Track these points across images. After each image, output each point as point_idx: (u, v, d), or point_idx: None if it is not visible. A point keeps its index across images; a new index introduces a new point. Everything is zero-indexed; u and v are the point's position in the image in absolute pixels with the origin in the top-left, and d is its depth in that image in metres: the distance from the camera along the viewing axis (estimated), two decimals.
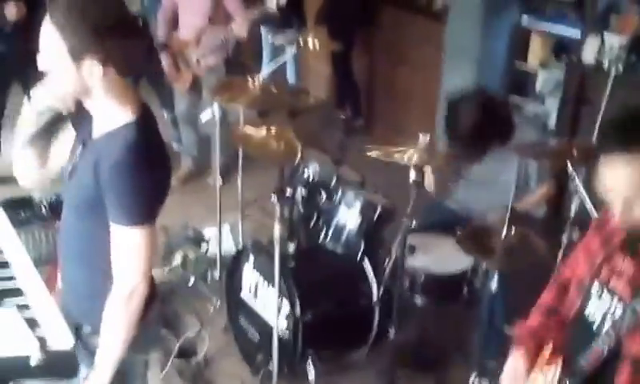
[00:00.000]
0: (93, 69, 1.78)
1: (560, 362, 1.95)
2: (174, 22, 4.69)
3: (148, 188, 1.82)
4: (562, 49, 4.88)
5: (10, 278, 2.21)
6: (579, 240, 2.17)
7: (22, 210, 3.52)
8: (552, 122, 4.81)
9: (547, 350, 2.05)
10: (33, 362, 1.82)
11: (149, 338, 2.12)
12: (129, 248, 1.83)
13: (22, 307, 2.05)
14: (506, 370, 2.12)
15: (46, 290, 2.17)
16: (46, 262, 3.27)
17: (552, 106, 4.82)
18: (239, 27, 4.45)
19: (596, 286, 1.92)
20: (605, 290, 1.88)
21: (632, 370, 1.77)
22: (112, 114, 1.86)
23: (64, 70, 1.79)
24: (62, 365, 1.91)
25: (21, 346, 1.87)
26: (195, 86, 4.80)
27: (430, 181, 3.39)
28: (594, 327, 1.88)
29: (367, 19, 5.85)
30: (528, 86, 5.04)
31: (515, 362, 2.09)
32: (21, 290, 2.16)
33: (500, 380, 2.15)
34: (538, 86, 5.04)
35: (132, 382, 2.14)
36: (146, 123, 1.87)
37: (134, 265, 1.85)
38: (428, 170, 3.35)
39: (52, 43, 1.77)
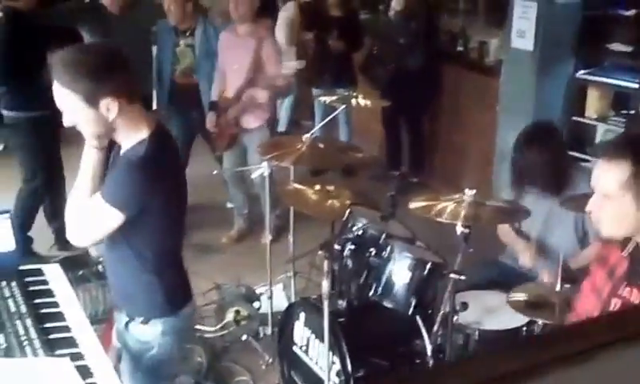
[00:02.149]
0: (109, 106, 2.09)
1: None
2: (224, 82, 4.77)
3: (138, 184, 2.16)
4: (621, 101, 4.79)
5: (67, 329, 2.34)
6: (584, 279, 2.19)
7: (79, 268, 3.62)
8: None
9: None
10: None
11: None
12: (93, 207, 2.18)
13: (75, 355, 2.17)
14: None
15: (100, 346, 2.30)
16: (102, 320, 3.35)
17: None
18: (262, 92, 4.51)
19: None
20: None
21: None
22: (131, 136, 2.19)
23: (86, 117, 2.10)
24: None
25: None
26: (237, 147, 4.84)
27: (526, 255, 3.36)
28: None
29: (421, 79, 5.83)
30: (587, 141, 4.94)
31: None
32: (75, 340, 2.27)
33: None
34: (598, 140, 4.94)
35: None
36: (156, 138, 2.20)
37: (89, 221, 2.22)
38: (522, 243, 3.36)
39: (67, 100, 2.09)
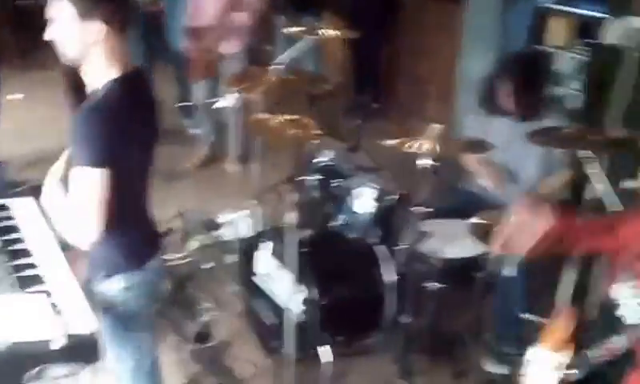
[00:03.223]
0: (97, 28, 2.02)
1: (573, 347, 1.91)
2: (202, 9, 4.73)
3: (103, 135, 2.00)
4: (585, 31, 4.81)
5: (33, 266, 2.26)
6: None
7: None
8: (575, 104, 4.76)
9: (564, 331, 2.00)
10: (56, 346, 1.88)
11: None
12: (77, 185, 2.01)
13: (46, 292, 2.10)
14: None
15: (71, 274, 2.23)
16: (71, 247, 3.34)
17: (575, 89, 4.77)
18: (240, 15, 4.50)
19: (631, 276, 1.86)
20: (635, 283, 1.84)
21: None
22: (101, 76, 2.08)
23: (71, 32, 2.03)
24: (84, 349, 1.96)
25: (44, 330, 1.91)
26: (214, 74, 4.82)
27: (484, 176, 3.42)
28: (618, 319, 1.84)
29: (385, 5, 5.82)
30: (549, 68, 4.98)
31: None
32: (44, 276, 2.20)
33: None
34: (560, 68, 4.99)
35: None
36: (122, 82, 2.08)
37: (80, 200, 2.01)
38: (482, 165, 3.39)
39: (60, 10, 2.02)
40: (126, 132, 2.07)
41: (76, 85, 2.24)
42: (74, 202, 2.03)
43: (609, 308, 1.89)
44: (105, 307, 2.24)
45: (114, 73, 2.08)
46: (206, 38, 4.67)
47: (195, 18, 4.75)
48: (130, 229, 2.24)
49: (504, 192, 3.37)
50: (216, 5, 4.60)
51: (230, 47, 4.70)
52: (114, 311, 2.26)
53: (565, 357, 1.93)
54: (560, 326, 2.03)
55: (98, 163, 1.99)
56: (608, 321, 1.89)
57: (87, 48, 2.05)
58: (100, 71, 2.09)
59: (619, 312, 1.87)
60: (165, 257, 3.68)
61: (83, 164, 2.00)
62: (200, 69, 4.81)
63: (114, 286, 2.24)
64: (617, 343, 1.80)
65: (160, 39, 5.05)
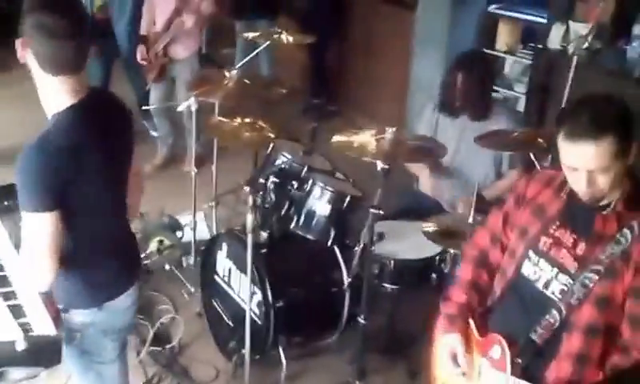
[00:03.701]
0: (31, 61, 1.93)
1: (502, 341, 2.02)
2: (153, 15, 4.76)
3: (46, 177, 1.89)
4: (529, 36, 4.99)
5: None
6: (498, 207, 2.25)
7: (4, 199, 3.53)
8: (521, 106, 4.92)
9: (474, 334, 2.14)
10: (18, 348, 1.88)
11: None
12: (26, 230, 1.95)
13: (8, 295, 2.08)
14: (442, 354, 2.19)
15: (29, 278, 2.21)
16: None
17: (520, 91, 4.94)
18: (189, 18, 4.52)
19: (531, 254, 2.04)
20: (542, 260, 2.00)
21: (584, 337, 1.92)
22: (52, 106, 1.98)
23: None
24: (46, 352, 1.96)
25: (5, 332, 1.92)
26: (166, 77, 4.86)
27: (425, 182, 3.54)
28: (539, 294, 1.99)
29: (339, 9, 5.92)
30: (497, 71, 5.14)
31: (451, 342, 2.15)
32: (6, 277, 2.17)
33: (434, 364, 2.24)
34: (506, 71, 5.16)
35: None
36: (73, 111, 1.95)
37: (30, 245, 1.96)
38: (424, 172, 3.51)
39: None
40: (78, 163, 1.94)
41: None
42: (24, 245, 1.97)
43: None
44: (67, 336, 2.15)
45: (66, 101, 1.96)
46: (156, 43, 4.70)
47: (144, 23, 4.79)
48: (92, 265, 2.13)
49: (437, 193, 3.52)
50: (165, 10, 4.63)
51: (181, 51, 4.74)
52: (75, 342, 2.20)
53: (498, 351, 2.04)
54: None
55: (41, 208, 1.90)
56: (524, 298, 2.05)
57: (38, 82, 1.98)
58: (50, 101, 1.98)
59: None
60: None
61: (27, 210, 1.91)
62: (152, 73, 4.83)
63: (75, 319, 2.17)
64: (549, 319, 1.95)
65: (112, 45, 5.10)
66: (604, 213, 1.92)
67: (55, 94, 1.96)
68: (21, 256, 2.03)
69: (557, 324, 1.94)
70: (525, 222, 2.09)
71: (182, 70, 4.75)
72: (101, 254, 2.14)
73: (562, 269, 1.96)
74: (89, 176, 1.98)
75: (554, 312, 1.94)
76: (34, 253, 1.96)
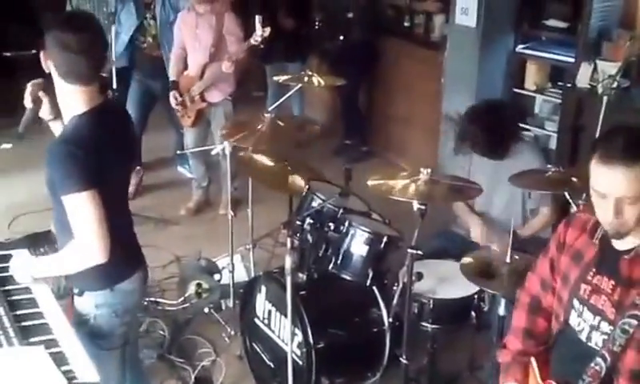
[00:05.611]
0: (53, 71, 2.24)
1: None
2: (183, 63, 4.88)
3: (72, 163, 2.16)
4: (558, 75, 5.03)
5: (39, 315, 2.33)
6: (543, 253, 2.25)
7: (40, 245, 3.63)
8: (552, 145, 4.95)
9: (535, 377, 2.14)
10: None
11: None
12: (72, 212, 2.20)
13: (49, 343, 2.16)
14: None
15: (68, 324, 2.31)
16: (64, 296, 3.40)
17: (551, 130, 4.97)
18: (225, 64, 4.59)
19: (576, 303, 2.04)
20: (585, 308, 2.01)
21: (631, 383, 1.91)
22: (67, 111, 2.30)
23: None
24: None
25: (49, 381, 1.97)
26: (202, 121, 4.96)
27: (476, 230, 3.58)
28: (583, 345, 1.99)
29: (369, 51, 6.01)
30: (526, 111, 5.18)
31: None
32: (47, 325, 2.27)
33: None
34: (537, 110, 5.20)
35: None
36: (89, 116, 2.26)
37: (79, 224, 2.21)
38: (474, 221, 3.57)
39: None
40: (98, 156, 2.21)
41: None
42: (74, 230, 2.21)
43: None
44: (78, 322, 2.40)
45: (82, 107, 2.26)
46: (190, 88, 4.81)
47: (174, 70, 4.90)
48: None
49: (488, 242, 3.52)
50: (199, 57, 4.74)
51: (217, 95, 4.84)
52: (87, 326, 2.42)
53: None
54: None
55: (81, 187, 2.16)
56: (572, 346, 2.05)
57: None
58: (68, 106, 2.29)
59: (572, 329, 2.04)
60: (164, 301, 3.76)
61: (68, 193, 2.17)
62: (189, 118, 4.93)
63: (86, 302, 2.41)
64: (596, 366, 1.93)
65: (161, 84, 5.16)
66: (626, 257, 1.93)
67: (72, 101, 2.28)
68: (71, 245, 2.25)
69: (603, 372, 1.92)
70: (566, 269, 2.09)
71: (216, 114, 4.86)
72: (114, 238, 2.30)
73: (603, 316, 1.96)
74: (105, 167, 2.24)
75: (599, 360, 1.92)
76: (85, 232, 2.20)
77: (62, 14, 2.49)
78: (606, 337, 1.94)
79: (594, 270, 2.00)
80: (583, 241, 2.05)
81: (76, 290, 2.43)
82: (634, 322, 1.86)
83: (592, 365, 1.94)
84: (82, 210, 2.18)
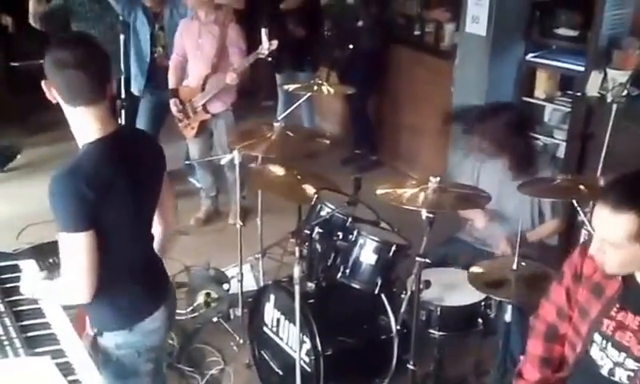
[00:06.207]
0: (58, 97, 2.14)
1: None
2: (183, 71, 4.88)
3: (72, 200, 2.04)
4: (568, 83, 5.02)
5: (46, 325, 2.35)
6: (558, 281, 2.22)
7: (48, 256, 3.66)
8: (560, 153, 4.94)
9: None
10: None
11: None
12: (63, 248, 2.11)
13: (56, 353, 2.19)
14: None
15: (76, 335, 2.33)
16: (73, 307, 3.42)
17: (560, 138, 4.96)
18: (230, 76, 4.58)
19: (598, 337, 2.01)
20: (610, 344, 1.98)
21: None
22: (80, 137, 2.17)
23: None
24: None
25: None
26: (204, 131, 4.97)
27: (479, 220, 3.59)
28: (606, 380, 1.97)
29: (378, 60, 6.02)
30: (536, 119, 5.17)
31: None
32: (54, 336, 2.29)
33: None
34: (546, 119, 5.18)
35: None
36: (100, 144, 2.13)
37: (68, 262, 2.11)
38: (478, 213, 3.55)
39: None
40: (106, 191, 2.09)
41: None
42: (63, 264, 2.12)
43: None
44: (103, 361, 2.31)
45: (94, 133, 2.14)
46: (191, 99, 4.81)
47: (173, 79, 4.88)
48: (121, 289, 2.26)
49: (491, 232, 3.51)
50: (200, 68, 4.74)
51: (219, 106, 4.83)
52: (111, 365, 2.32)
53: None
54: None
55: (76, 228, 2.05)
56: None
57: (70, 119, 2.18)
58: (79, 132, 2.18)
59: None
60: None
61: (62, 230, 2.06)
62: (192, 129, 4.94)
63: (107, 342, 2.31)
64: None
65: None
66: None
67: (82, 126, 2.15)
68: (61, 277, 2.17)
69: None
70: (585, 302, 2.06)
71: (218, 124, 4.86)
72: (128, 277, 2.27)
73: (629, 353, 1.94)
74: (115, 203, 2.13)
75: None
76: (72, 271, 2.11)
77: (56, 38, 2.34)
78: (631, 373, 1.92)
79: (617, 305, 1.98)
80: (603, 274, 2.00)
81: (95, 330, 2.31)
82: None
83: None
84: (73, 250, 2.09)
